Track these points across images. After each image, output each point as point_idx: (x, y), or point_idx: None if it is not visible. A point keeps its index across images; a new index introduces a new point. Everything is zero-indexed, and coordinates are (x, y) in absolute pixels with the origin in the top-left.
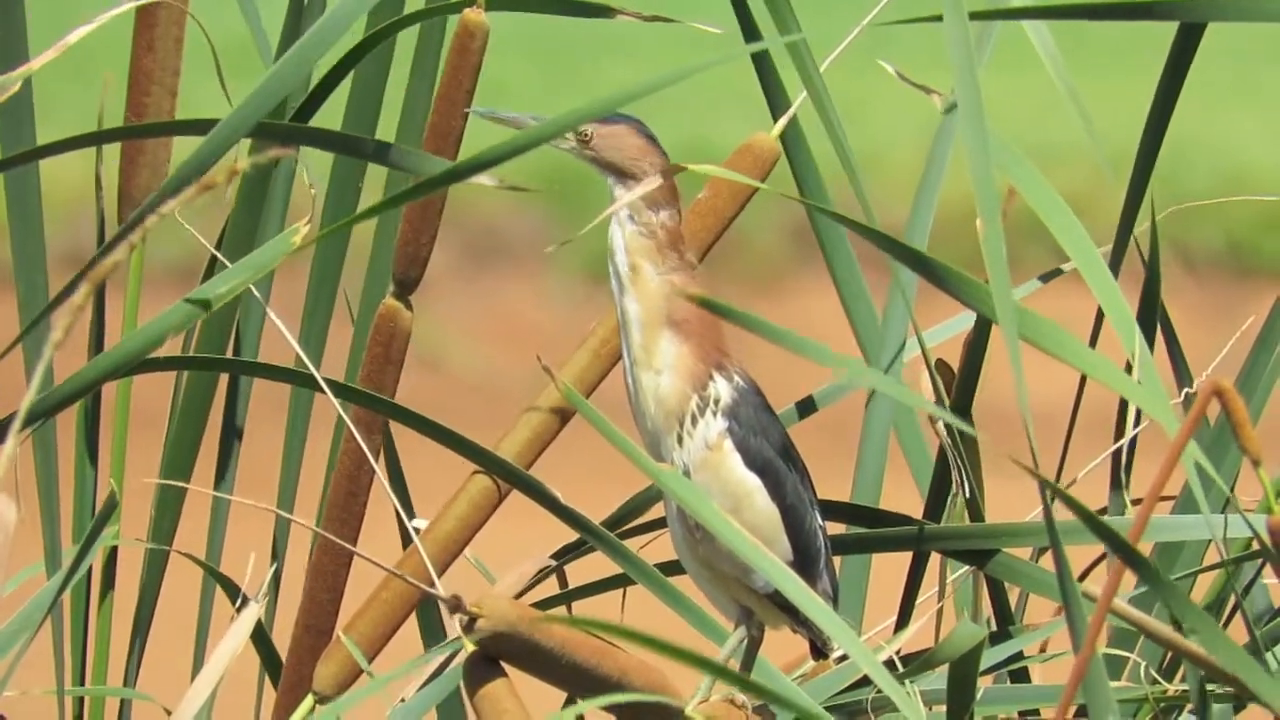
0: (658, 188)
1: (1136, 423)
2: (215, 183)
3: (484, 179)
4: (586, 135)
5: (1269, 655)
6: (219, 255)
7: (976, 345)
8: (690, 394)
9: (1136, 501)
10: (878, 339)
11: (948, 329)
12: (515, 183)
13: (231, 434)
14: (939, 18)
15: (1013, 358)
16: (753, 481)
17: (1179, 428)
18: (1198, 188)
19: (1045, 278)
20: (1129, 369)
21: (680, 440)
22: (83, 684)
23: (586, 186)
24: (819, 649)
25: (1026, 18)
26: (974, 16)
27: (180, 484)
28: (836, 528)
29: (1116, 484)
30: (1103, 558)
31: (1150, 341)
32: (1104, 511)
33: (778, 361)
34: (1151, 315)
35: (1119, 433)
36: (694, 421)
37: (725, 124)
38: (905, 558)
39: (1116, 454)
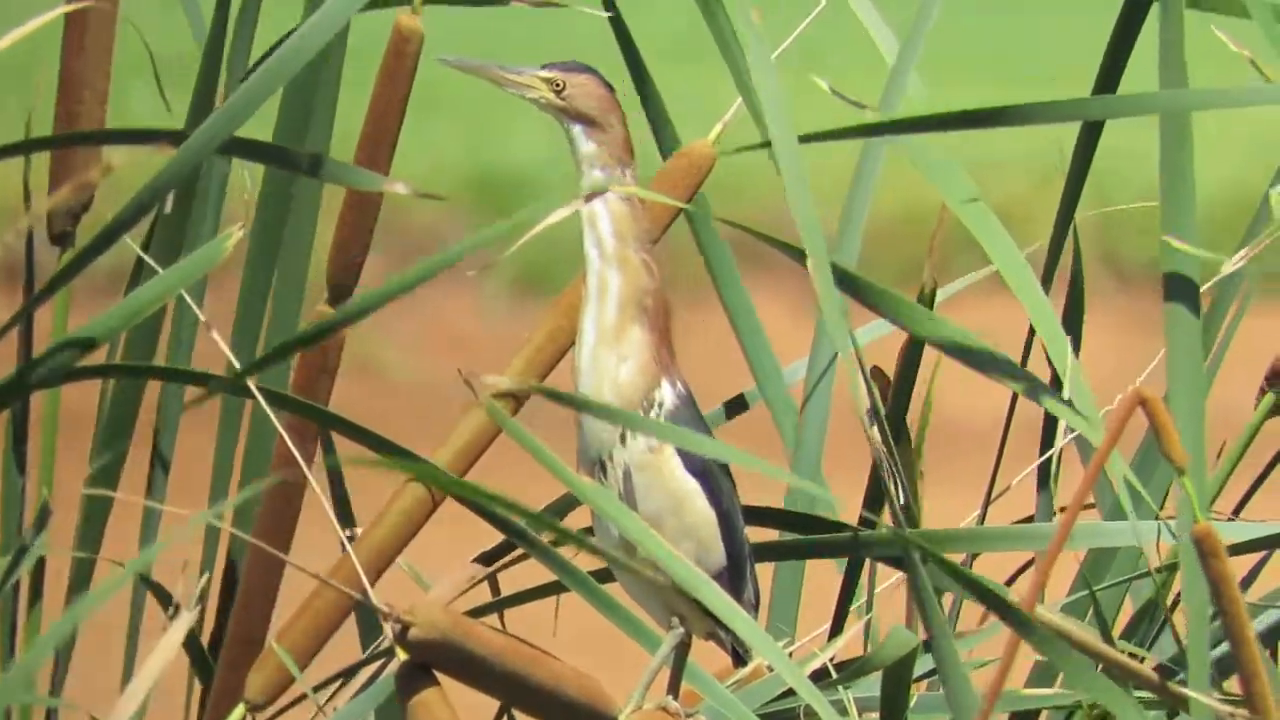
0: (622, 146)
1: (1050, 437)
2: (93, 181)
3: (399, 187)
4: (559, 84)
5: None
6: (148, 260)
7: (911, 353)
8: (642, 391)
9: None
10: (770, 360)
11: (879, 328)
12: (439, 191)
13: (161, 441)
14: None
15: (919, 358)
16: (692, 485)
17: (1100, 435)
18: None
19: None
20: (1056, 381)
21: (624, 438)
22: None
23: (521, 195)
24: (739, 655)
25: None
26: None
27: (109, 493)
28: (769, 533)
29: (1044, 490)
30: (1030, 564)
31: (1076, 349)
32: (1031, 519)
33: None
34: (1078, 323)
35: (1046, 442)
36: None
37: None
38: (841, 564)
39: (1046, 463)
